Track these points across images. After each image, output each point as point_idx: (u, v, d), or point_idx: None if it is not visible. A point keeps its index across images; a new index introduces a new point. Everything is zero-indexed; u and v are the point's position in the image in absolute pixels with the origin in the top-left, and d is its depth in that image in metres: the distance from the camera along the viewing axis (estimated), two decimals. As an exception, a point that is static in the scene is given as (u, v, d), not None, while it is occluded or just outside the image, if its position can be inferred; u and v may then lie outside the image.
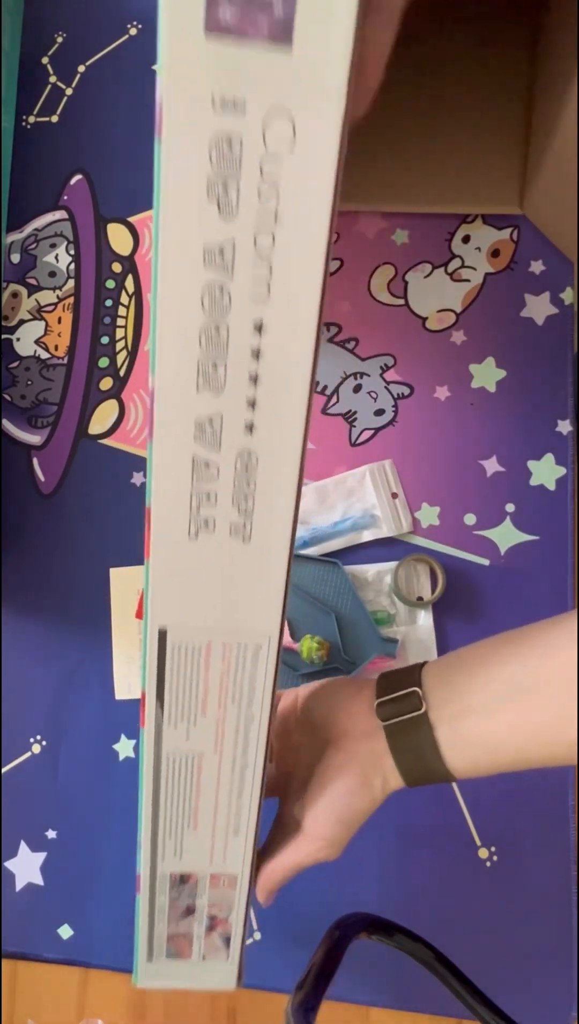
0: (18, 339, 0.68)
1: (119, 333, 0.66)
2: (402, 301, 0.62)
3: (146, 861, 0.40)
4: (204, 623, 0.35)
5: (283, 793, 0.43)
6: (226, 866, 0.40)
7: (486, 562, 0.59)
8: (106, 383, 0.66)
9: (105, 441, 0.65)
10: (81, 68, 0.69)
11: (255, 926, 0.58)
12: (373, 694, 0.41)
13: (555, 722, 0.35)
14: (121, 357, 0.66)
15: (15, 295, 0.68)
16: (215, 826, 0.39)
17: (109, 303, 0.66)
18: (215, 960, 0.42)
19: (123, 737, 0.62)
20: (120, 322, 0.66)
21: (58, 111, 0.69)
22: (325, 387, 0.62)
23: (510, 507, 0.59)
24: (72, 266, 0.67)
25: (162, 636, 0.35)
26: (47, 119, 0.69)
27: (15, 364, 0.67)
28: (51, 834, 0.62)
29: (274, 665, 0.36)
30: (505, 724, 0.36)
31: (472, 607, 0.59)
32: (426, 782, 0.39)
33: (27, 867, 0.62)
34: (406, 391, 0.62)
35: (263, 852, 0.43)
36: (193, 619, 0.34)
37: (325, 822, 0.39)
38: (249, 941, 0.58)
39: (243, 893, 0.41)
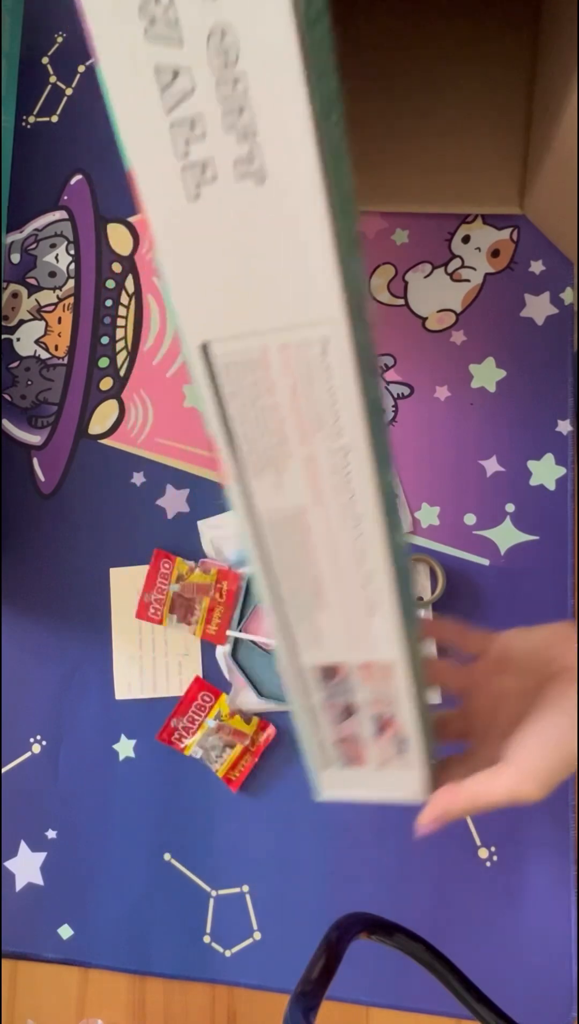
0: (18, 339, 0.68)
1: (119, 333, 0.66)
2: (402, 301, 0.62)
3: (283, 654, 0.35)
4: (248, 323, 0.28)
5: (481, 739, 0.40)
6: (375, 652, 0.34)
7: (486, 562, 0.59)
8: (106, 383, 0.66)
9: (105, 441, 0.65)
10: (81, 68, 0.69)
11: (255, 926, 0.58)
12: None
13: None
14: (121, 357, 0.66)
15: (15, 295, 0.68)
16: (346, 603, 0.34)
17: (109, 303, 0.66)
18: (396, 767, 0.37)
19: (123, 737, 0.62)
20: (120, 322, 0.66)
21: (58, 111, 0.69)
22: (325, 387, 0.62)
23: (510, 507, 0.59)
24: (72, 266, 0.67)
25: (205, 353, 0.29)
26: (47, 119, 0.69)
27: (15, 364, 0.67)
28: (51, 834, 0.62)
29: (353, 368, 0.28)
30: None
31: (472, 607, 0.58)
32: None
33: (27, 867, 0.62)
34: (406, 391, 0.62)
35: (445, 773, 0.39)
36: (232, 319, 0.28)
37: (538, 752, 0.35)
38: (249, 941, 0.58)
39: (405, 686, 0.35)
